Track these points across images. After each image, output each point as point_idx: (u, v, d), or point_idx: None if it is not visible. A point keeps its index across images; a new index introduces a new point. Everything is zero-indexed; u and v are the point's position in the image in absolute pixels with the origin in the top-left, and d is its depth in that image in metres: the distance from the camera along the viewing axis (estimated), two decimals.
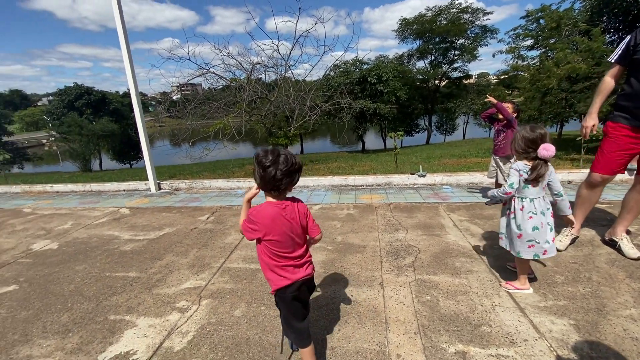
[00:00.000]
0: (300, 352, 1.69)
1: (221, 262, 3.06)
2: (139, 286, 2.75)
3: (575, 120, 14.29)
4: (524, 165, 2.15)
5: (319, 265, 2.89)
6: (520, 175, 2.15)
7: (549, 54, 12.38)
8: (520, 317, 2.07)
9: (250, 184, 5.75)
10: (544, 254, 2.19)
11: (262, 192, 1.56)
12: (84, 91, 33.47)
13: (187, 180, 6.24)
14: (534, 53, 15.16)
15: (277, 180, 1.42)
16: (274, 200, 1.51)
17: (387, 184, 5.49)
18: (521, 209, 2.19)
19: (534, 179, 2.11)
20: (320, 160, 12.60)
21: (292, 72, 10.72)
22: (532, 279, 2.44)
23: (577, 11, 12.10)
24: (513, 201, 2.24)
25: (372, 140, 30.38)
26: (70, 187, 6.66)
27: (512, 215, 2.25)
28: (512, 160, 2.74)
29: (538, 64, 13.28)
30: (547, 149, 2.03)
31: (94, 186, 6.51)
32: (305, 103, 10.06)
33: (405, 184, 5.44)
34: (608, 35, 10.36)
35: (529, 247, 2.19)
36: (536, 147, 2.06)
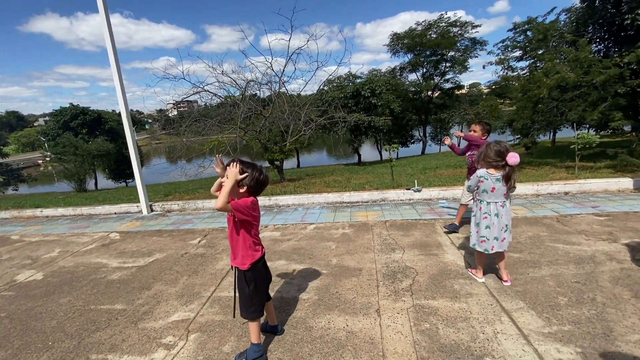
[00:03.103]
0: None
1: (211, 291, 2.94)
2: (124, 320, 2.62)
3: (567, 127, 14.41)
4: (485, 172, 2.53)
5: (313, 291, 2.79)
6: (481, 181, 2.55)
7: (538, 65, 12.59)
8: (525, 346, 1.97)
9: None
10: (492, 249, 2.57)
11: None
12: (79, 111, 33.58)
13: (180, 202, 6.14)
14: (523, 64, 15.41)
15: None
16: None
17: (382, 199, 5.42)
18: (479, 210, 2.61)
19: (507, 180, 2.47)
20: (317, 174, 12.54)
21: (286, 88, 10.76)
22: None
23: (562, 22, 12.37)
24: (475, 203, 2.67)
25: (368, 151, 30.46)
26: (60, 211, 6.52)
27: (473, 214, 2.69)
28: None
29: (528, 74, 13.48)
30: (515, 157, 2.41)
31: (85, 210, 6.39)
32: (300, 118, 10.07)
33: (401, 199, 5.36)
34: (594, 45, 10.56)
35: (481, 241, 2.60)
36: (504, 157, 2.43)
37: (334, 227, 4.35)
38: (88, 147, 24.82)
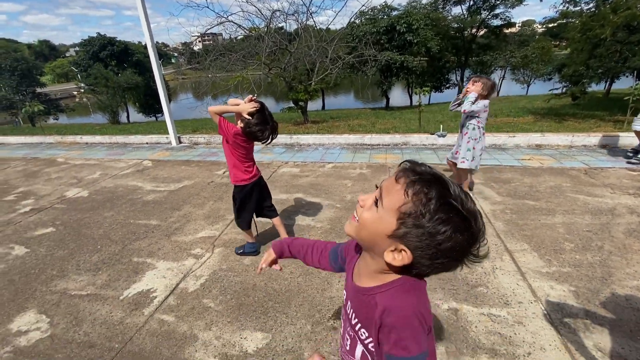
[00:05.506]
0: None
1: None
2: (159, 233, 2.97)
3: (627, 77, 12.82)
4: (487, 102, 3.05)
5: (326, 221, 2.98)
6: (485, 110, 3.06)
7: None
8: (520, 281, 2.09)
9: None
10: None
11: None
12: (107, 42, 33.33)
13: (206, 135, 6.36)
14: None
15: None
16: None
17: (404, 143, 5.35)
18: (483, 135, 3.14)
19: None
20: (342, 117, 12.31)
21: (313, 20, 10.06)
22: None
23: None
24: (477, 130, 3.09)
25: (397, 96, 29.03)
26: (98, 138, 6.98)
27: (476, 140, 3.12)
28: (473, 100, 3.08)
29: (593, 9, 11.72)
30: None
31: (119, 138, 6.80)
32: (327, 55, 9.58)
33: (423, 144, 5.28)
34: None
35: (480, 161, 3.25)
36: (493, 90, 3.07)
37: (351, 167, 4.43)
38: (118, 80, 25.28)
